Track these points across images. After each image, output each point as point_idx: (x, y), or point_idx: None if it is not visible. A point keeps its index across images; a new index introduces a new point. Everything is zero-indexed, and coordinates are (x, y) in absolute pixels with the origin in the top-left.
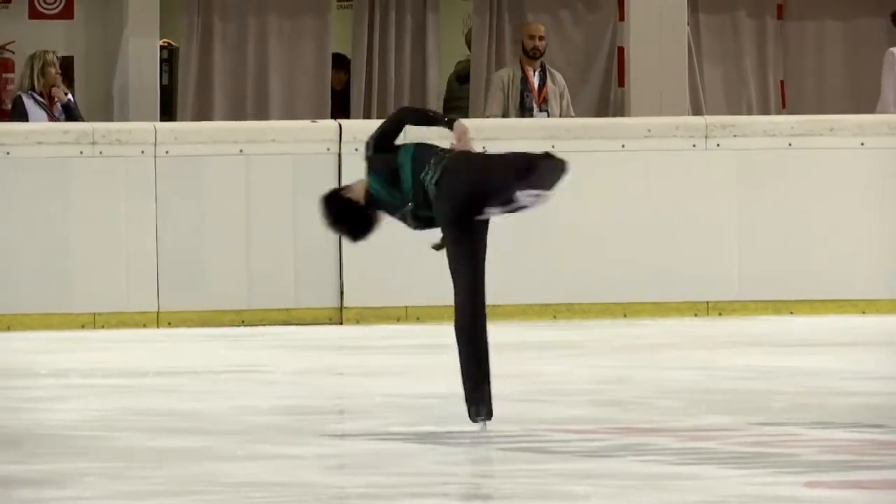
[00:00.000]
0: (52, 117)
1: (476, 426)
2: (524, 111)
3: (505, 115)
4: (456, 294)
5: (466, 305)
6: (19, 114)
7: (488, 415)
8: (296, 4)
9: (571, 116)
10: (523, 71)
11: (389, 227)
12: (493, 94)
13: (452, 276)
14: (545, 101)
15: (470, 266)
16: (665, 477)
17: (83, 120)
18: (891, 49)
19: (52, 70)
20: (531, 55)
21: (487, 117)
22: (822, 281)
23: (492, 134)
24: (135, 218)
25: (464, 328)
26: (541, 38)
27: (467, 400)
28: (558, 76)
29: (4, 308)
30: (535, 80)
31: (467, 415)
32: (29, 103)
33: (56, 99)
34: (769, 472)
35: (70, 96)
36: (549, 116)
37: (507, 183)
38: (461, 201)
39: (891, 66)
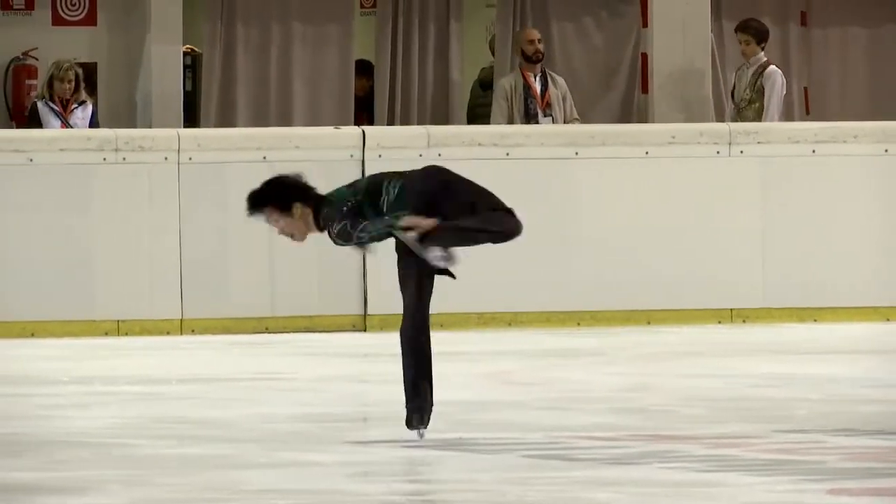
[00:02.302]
0: (66, 125)
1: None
2: (529, 118)
3: (510, 123)
4: (405, 298)
5: (416, 311)
6: (34, 120)
7: (425, 424)
8: (319, 11)
9: (576, 119)
10: (524, 77)
11: None
12: (496, 104)
13: (401, 283)
14: (548, 105)
15: (421, 271)
16: (689, 484)
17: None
18: (773, 67)
19: (61, 84)
20: (533, 59)
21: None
22: (847, 288)
23: (513, 141)
24: (158, 224)
25: (412, 334)
26: (539, 41)
27: (408, 408)
28: (559, 80)
29: (28, 315)
30: (538, 86)
31: (405, 422)
32: (44, 110)
33: (72, 106)
34: (793, 480)
35: (88, 107)
36: (553, 122)
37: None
38: (429, 189)
39: (780, 85)
